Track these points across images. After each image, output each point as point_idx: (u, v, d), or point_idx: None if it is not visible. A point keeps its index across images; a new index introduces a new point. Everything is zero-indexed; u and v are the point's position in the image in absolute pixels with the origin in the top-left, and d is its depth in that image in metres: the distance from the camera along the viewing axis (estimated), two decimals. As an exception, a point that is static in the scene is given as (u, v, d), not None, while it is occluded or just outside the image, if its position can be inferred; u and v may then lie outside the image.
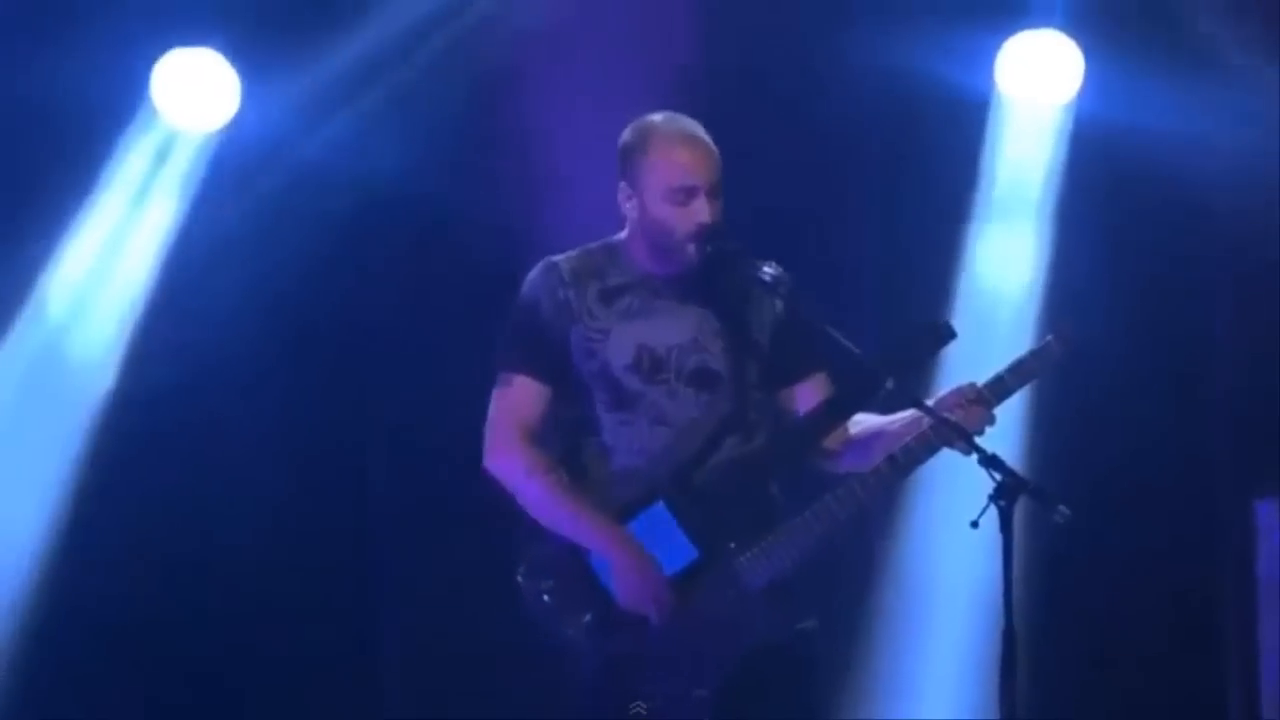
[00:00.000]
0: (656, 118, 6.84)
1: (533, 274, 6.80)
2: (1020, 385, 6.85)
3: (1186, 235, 9.39)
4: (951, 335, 6.80)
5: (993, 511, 6.38)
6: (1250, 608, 9.02)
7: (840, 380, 6.82)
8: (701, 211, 6.66)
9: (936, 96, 9.49)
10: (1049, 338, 6.92)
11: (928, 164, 9.49)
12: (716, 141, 6.77)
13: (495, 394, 6.78)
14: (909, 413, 6.76)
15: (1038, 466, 8.42)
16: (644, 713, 6.13)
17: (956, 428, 6.59)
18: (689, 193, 6.67)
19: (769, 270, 6.72)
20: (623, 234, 6.83)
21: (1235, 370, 9.37)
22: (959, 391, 6.73)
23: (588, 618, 6.67)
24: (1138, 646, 9.17)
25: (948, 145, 9.57)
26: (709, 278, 6.75)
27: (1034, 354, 6.88)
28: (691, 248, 6.68)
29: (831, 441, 6.84)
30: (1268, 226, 9.29)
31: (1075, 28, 9.48)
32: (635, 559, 6.65)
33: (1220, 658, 9.24)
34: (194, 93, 9.67)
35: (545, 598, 6.70)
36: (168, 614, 9.46)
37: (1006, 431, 7.48)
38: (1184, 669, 9.26)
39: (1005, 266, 9.52)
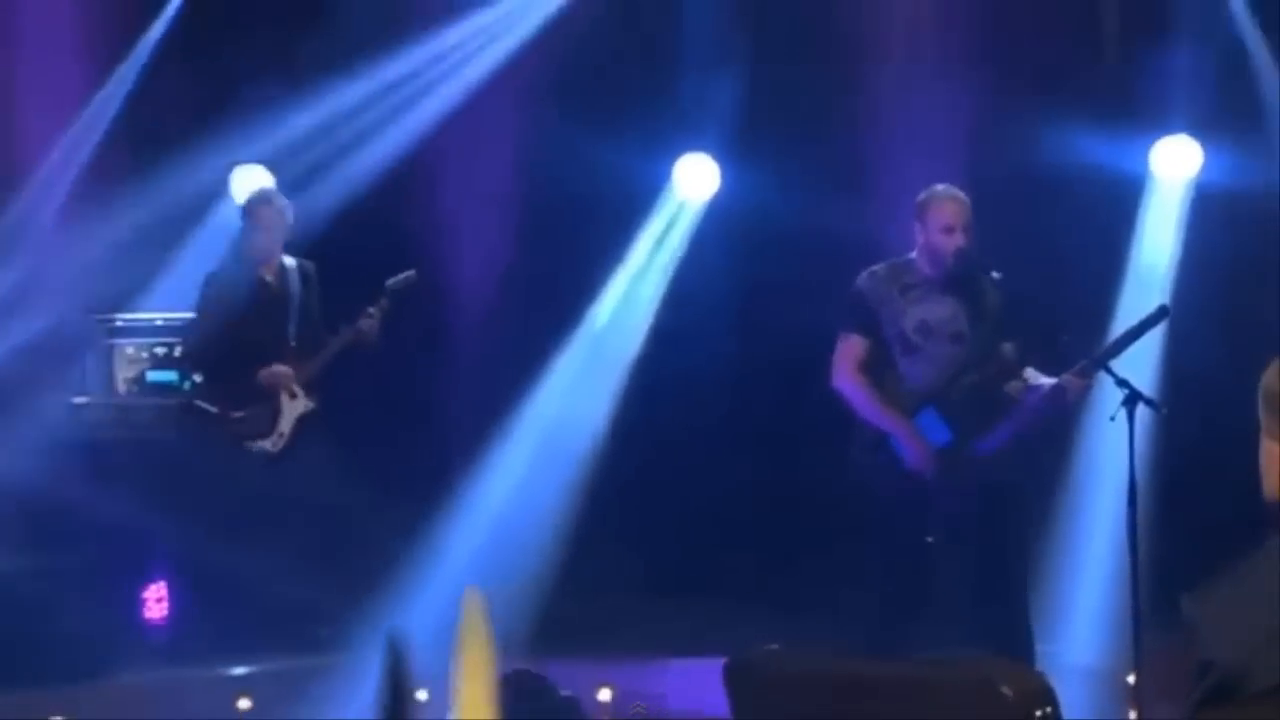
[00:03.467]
0: (938, 187, 6.96)
1: (861, 276, 6.92)
2: (1142, 335, 6.85)
3: (1261, 250, 8.84)
4: (1167, 314, 6.91)
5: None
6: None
7: (1034, 339, 6.86)
8: (958, 240, 6.83)
9: (1117, 175, 9.22)
10: (1160, 307, 6.92)
11: (1112, 213, 9.22)
12: (972, 199, 6.90)
13: (838, 345, 6.92)
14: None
15: (1160, 385, 8.18)
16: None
17: (1101, 364, 6.69)
18: (951, 229, 6.84)
19: (995, 275, 6.91)
20: (913, 254, 6.93)
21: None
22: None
23: (889, 480, 6.77)
24: (1213, 498, 8.57)
25: (1123, 204, 9.25)
26: (961, 279, 6.87)
27: (1148, 319, 6.87)
28: (950, 260, 6.84)
29: (1020, 379, 6.84)
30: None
31: (1196, 132, 9.10)
32: (916, 438, 6.75)
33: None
34: (693, 178, 9.59)
35: (868, 459, 6.82)
36: (654, 452, 9.34)
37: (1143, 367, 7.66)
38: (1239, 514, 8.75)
39: (1151, 270, 9.06)
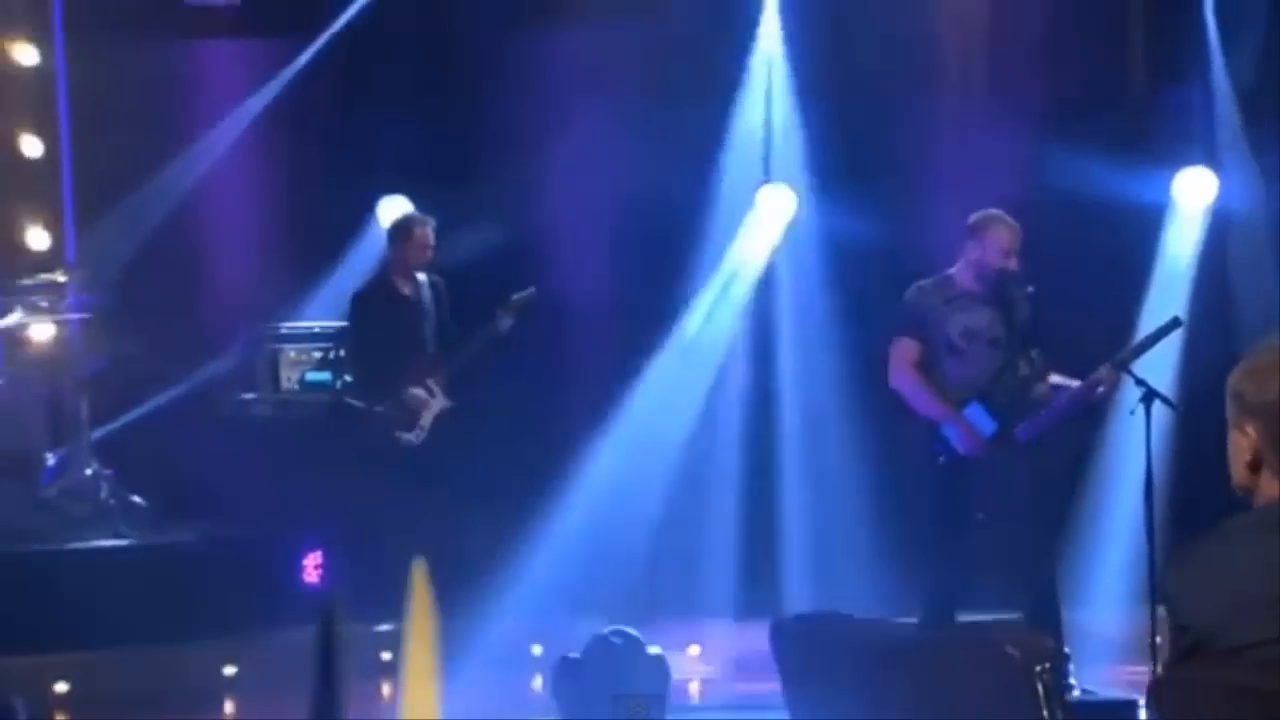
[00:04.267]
0: (994, 211, 6.96)
1: (910, 290, 6.94)
2: (1158, 342, 6.89)
3: (1268, 268, 8.80)
4: (1180, 324, 6.93)
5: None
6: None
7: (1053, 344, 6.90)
8: (1013, 261, 6.86)
9: (1145, 202, 9.09)
10: (1173, 318, 7.00)
11: (1139, 236, 9.11)
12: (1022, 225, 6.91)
13: (892, 349, 6.91)
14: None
15: (1177, 386, 7.96)
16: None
17: (1124, 365, 6.76)
18: (1009, 252, 6.84)
19: (1030, 290, 6.91)
20: (954, 269, 6.93)
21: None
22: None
23: (942, 459, 6.79)
24: (1219, 485, 8.45)
25: (1148, 228, 9.14)
26: (1000, 293, 6.88)
27: (1162, 328, 6.93)
28: (996, 277, 6.83)
29: (1047, 380, 6.88)
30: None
31: (1212, 165, 9.03)
32: (966, 427, 6.76)
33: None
34: (774, 205, 9.45)
35: (923, 446, 6.82)
36: (736, 443, 9.21)
37: (1162, 370, 7.59)
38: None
39: (1172, 285, 8.91)
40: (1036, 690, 3.03)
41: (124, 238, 9.33)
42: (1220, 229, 9.08)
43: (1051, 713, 3.06)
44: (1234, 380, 3.11)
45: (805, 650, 3.33)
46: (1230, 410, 3.13)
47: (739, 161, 9.40)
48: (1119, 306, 8.63)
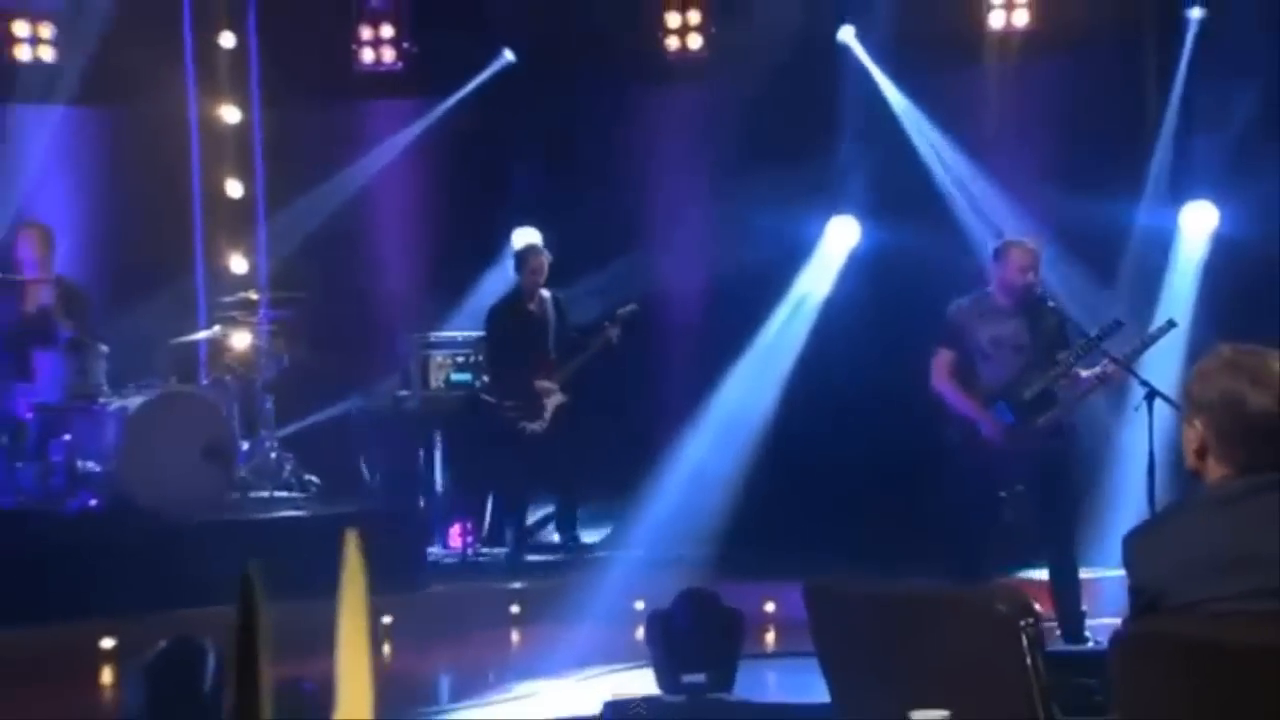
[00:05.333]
0: (1012, 238, 6.90)
1: (951, 306, 6.81)
2: (1156, 341, 6.77)
3: (1259, 280, 8.46)
4: (1174, 325, 6.81)
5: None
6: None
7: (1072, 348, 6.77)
8: (1030, 278, 6.72)
9: (1159, 232, 8.98)
10: (1166, 322, 6.84)
11: (1154, 262, 8.95)
12: (1052, 249, 7.11)
13: (934, 358, 6.81)
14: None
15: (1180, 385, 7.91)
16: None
17: (1127, 364, 6.65)
18: (1026, 270, 6.70)
19: (1052, 303, 6.85)
20: (989, 288, 6.82)
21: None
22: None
23: (973, 453, 6.67)
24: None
25: (1159, 253, 8.98)
26: (1026, 305, 6.76)
27: (1159, 329, 6.81)
28: (1021, 293, 6.70)
29: (1069, 376, 6.75)
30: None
31: (1213, 198, 8.83)
32: (993, 421, 6.65)
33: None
34: (841, 233, 9.42)
35: (957, 438, 6.74)
36: (804, 432, 9.00)
37: (1169, 373, 7.43)
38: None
39: (1179, 300, 8.60)
40: (1022, 641, 3.08)
41: (304, 263, 9.60)
42: (1220, 253, 8.92)
43: (1034, 660, 3.09)
44: (1186, 381, 3.15)
45: (831, 607, 3.38)
46: (1183, 406, 3.17)
47: (813, 197, 9.34)
48: (1135, 314, 8.47)
